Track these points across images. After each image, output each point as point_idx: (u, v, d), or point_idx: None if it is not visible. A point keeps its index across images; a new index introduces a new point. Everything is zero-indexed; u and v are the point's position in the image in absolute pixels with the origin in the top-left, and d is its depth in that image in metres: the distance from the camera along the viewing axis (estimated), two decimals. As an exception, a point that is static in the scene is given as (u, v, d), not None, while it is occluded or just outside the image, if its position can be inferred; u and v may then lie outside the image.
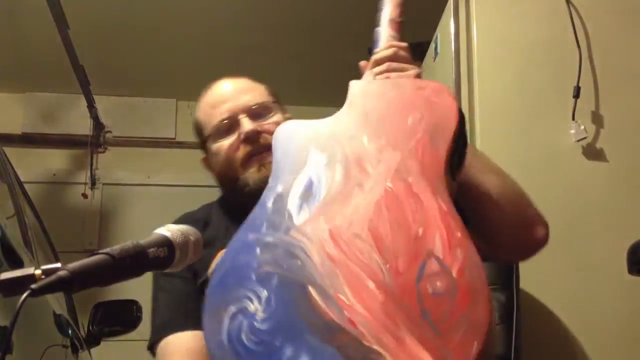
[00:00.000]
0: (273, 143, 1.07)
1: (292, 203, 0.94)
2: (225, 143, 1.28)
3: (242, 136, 1.27)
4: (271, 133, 1.26)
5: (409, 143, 0.95)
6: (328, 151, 0.99)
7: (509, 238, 1.14)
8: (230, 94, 1.33)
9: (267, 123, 1.29)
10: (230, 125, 1.29)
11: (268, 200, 0.98)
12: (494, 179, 1.13)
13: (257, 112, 1.30)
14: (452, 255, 0.81)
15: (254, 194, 1.19)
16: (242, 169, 1.26)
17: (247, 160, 1.26)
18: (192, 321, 1.17)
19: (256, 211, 0.98)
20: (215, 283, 0.90)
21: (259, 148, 1.26)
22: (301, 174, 0.98)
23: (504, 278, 1.72)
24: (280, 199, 0.96)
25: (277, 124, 1.29)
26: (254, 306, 0.84)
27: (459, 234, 0.83)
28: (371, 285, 0.81)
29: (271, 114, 1.32)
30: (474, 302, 0.76)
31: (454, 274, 0.79)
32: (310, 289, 0.83)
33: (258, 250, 0.90)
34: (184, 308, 1.21)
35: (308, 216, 0.92)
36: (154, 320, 1.25)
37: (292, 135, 1.07)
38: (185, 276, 1.23)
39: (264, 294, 0.84)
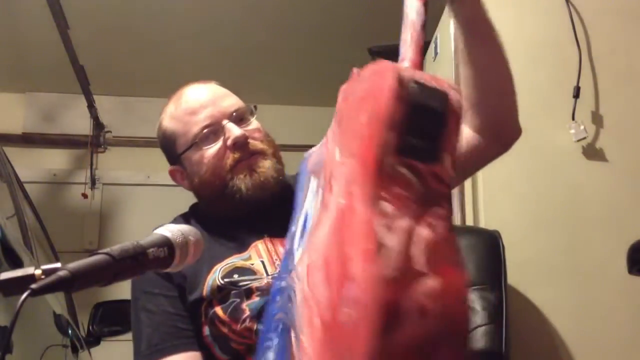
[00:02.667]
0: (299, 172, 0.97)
1: (296, 242, 0.89)
2: (211, 150, 1.21)
3: (230, 142, 1.20)
4: (255, 139, 1.23)
5: (361, 145, 0.78)
6: (319, 176, 0.87)
7: (510, 128, 1.21)
8: (208, 99, 1.24)
9: (250, 129, 1.24)
10: (213, 131, 1.22)
11: (288, 242, 0.93)
12: (509, 73, 1.15)
13: (239, 117, 1.24)
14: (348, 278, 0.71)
15: (247, 200, 1.19)
16: (231, 175, 1.20)
17: (235, 166, 1.21)
18: (185, 342, 1.13)
19: (284, 255, 0.96)
20: (260, 335, 0.92)
21: (247, 154, 1.21)
22: (303, 209, 0.91)
23: (493, 278, 1.72)
24: (292, 239, 0.91)
25: (258, 130, 1.26)
26: (271, 356, 0.84)
27: (371, 246, 0.70)
28: (317, 322, 0.73)
29: (251, 119, 1.26)
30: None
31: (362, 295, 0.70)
32: (292, 333, 0.79)
33: (278, 297, 0.88)
34: (174, 329, 1.15)
35: (300, 254, 0.85)
36: (138, 343, 1.16)
37: (305, 165, 0.95)
38: (171, 295, 1.17)
39: (275, 342, 0.84)
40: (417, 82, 0.76)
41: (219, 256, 1.18)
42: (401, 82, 0.75)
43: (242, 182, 1.20)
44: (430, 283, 0.67)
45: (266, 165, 1.21)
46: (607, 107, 2.00)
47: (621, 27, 2.06)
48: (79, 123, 3.86)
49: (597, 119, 1.99)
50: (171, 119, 1.27)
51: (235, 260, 1.17)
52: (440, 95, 0.76)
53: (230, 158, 1.21)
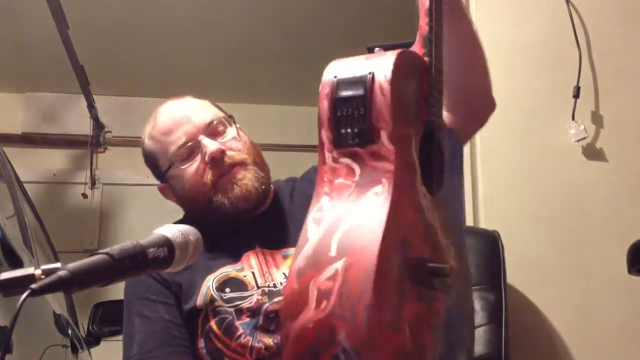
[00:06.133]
0: None
1: None
2: (190, 169, 1.21)
3: (207, 158, 1.19)
4: (233, 149, 1.21)
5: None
6: None
7: (483, 104, 1.23)
8: (182, 116, 1.23)
9: (227, 140, 1.23)
10: (191, 148, 1.21)
11: None
12: (480, 49, 1.17)
13: (214, 130, 1.23)
14: None
15: (232, 213, 1.19)
16: (214, 192, 1.19)
17: (217, 182, 1.19)
18: (177, 351, 1.13)
19: None
20: None
21: (226, 167, 1.20)
22: None
23: (492, 278, 1.72)
24: None
25: (235, 139, 1.23)
26: None
27: None
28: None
29: (227, 129, 1.24)
30: None
31: None
32: None
33: None
34: (167, 336, 1.14)
35: None
36: (129, 348, 1.15)
37: None
38: (168, 302, 1.17)
39: None
40: (336, 77, 0.87)
41: (212, 266, 1.17)
42: (329, 83, 0.86)
43: (225, 197, 1.19)
44: (335, 266, 0.76)
45: (247, 177, 1.20)
46: (607, 107, 2.00)
47: (621, 27, 2.06)
48: (79, 123, 3.86)
49: (597, 119, 1.99)
50: (149, 139, 1.27)
51: (228, 270, 1.17)
52: (358, 80, 0.86)
53: (210, 174, 1.19)
